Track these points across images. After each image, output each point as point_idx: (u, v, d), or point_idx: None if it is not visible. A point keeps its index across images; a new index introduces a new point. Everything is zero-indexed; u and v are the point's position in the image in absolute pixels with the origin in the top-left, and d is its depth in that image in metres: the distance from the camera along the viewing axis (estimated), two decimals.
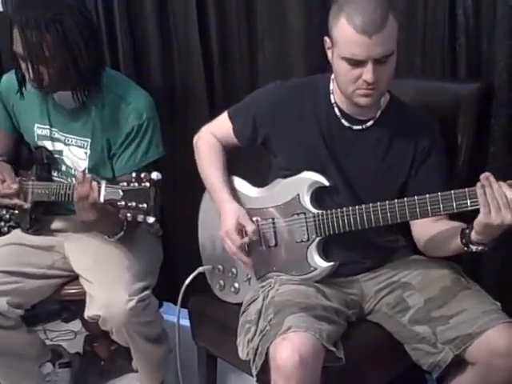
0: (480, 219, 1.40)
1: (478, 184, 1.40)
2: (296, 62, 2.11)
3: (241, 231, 1.70)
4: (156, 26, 2.35)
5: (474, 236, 1.45)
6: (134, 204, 1.53)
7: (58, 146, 2.00)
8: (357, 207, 1.57)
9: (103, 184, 1.60)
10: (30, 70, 1.77)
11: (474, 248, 1.47)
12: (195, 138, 1.91)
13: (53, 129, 1.99)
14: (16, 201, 1.96)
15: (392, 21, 1.49)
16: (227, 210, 1.73)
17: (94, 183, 1.62)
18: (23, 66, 1.80)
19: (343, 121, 1.66)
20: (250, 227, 1.69)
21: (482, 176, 1.40)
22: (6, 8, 2.55)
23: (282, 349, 1.42)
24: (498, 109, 1.76)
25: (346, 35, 1.49)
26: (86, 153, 1.95)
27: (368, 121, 1.66)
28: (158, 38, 2.36)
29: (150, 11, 2.33)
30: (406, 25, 1.89)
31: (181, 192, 2.42)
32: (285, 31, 2.11)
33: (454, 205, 1.44)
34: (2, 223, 2.14)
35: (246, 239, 1.69)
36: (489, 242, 1.45)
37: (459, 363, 1.50)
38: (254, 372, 1.52)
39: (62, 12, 1.73)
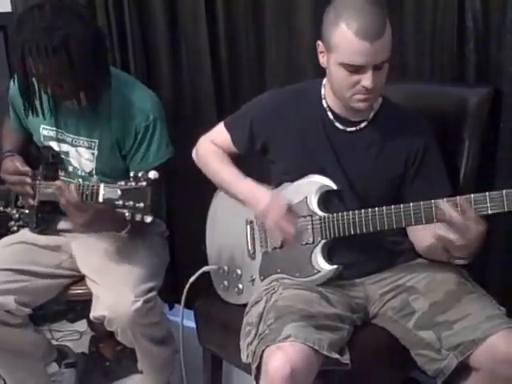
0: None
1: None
2: (304, 65, 2.10)
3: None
4: (166, 30, 2.36)
5: (452, 251, 1.49)
6: (131, 203, 1.54)
7: (64, 147, 2.00)
8: (362, 211, 1.57)
9: (102, 183, 1.60)
10: (48, 88, 1.78)
11: (455, 262, 1.52)
12: (194, 151, 1.91)
13: (59, 130, 1.99)
14: (28, 180, 1.95)
15: (389, 26, 1.50)
16: (258, 192, 1.71)
17: (65, 184, 1.62)
18: (37, 83, 1.80)
19: (337, 124, 1.67)
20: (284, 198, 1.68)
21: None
22: (15, 9, 2.57)
23: (275, 357, 1.42)
24: (507, 114, 1.75)
25: (346, 41, 1.48)
26: (93, 154, 1.96)
27: (361, 122, 1.67)
28: (167, 43, 2.38)
29: (160, 16, 2.36)
30: (415, 29, 1.89)
31: (186, 193, 2.43)
32: (293, 34, 2.11)
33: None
34: (12, 222, 2.14)
35: (286, 205, 1.66)
36: (467, 257, 1.49)
37: (464, 368, 1.49)
38: (253, 375, 1.51)
39: (68, 33, 1.70)
